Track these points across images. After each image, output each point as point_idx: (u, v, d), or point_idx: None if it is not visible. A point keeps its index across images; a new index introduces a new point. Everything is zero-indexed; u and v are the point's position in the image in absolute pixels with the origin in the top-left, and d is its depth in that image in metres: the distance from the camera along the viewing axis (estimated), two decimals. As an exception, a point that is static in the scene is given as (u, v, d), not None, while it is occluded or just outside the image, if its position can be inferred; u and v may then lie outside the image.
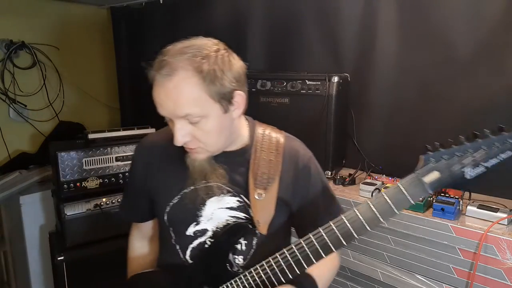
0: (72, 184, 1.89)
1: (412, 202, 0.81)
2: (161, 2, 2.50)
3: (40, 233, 2.21)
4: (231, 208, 1.00)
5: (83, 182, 1.92)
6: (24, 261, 2.23)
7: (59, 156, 1.85)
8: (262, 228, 0.96)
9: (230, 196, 1.00)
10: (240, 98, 0.94)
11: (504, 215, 1.20)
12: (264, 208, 0.97)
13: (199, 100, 0.86)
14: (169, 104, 0.86)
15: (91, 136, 2.05)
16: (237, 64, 0.92)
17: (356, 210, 0.84)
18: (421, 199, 1.33)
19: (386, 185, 1.48)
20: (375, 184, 1.48)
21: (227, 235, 0.99)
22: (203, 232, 1.01)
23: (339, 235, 0.84)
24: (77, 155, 1.90)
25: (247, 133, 1.04)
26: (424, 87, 1.61)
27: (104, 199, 1.95)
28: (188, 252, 1.02)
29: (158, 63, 0.86)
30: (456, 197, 1.32)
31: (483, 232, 1.16)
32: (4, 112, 2.50)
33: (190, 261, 1.02)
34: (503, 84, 1.41)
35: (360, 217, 0.83)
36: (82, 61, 2.85)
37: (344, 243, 0.85)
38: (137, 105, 2.90)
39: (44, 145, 2.59)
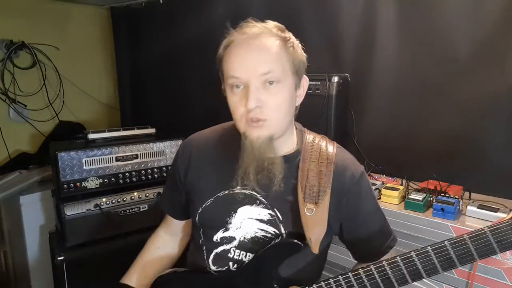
0: (72, 184, 1.89)
1: (498, 252, 0.73)
2: (161, 2, 2.50)
3: (40, 233, 2.21)
4: (261, 221, 0.95)
5: (83, 182, 1.92)
6: (24, 261, 2.23)
7: (59, 156, 1.85)
8: (314, 247, 0.89)
9: (263, 208, 0.95)
10: (305, 84, 0.97)
11: (504, 215, 1.20)
12: (316, 225, 0.90)
13: (281, 60, 0.88)
14: (252, 60, 0.86)
15: (91, 136, 2.06)
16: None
17: (430, 249, 0.77)
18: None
19: (386, 185, 1.48)
20: (375, 184, 1.48)
21: (274, 253, 0.93)
22: (230, 240, 0.98)
23: (405, 272, 0.79)
24: (77, 155, 1.89)
25: (295, 138, 1.00)
26: (424, 87, 1.61)
27: (104, 199, 1.95)
28: (211, 256, 1.00)
29: (241, 28, 0.90)
30: (456, 197, 1.32)
31: (483, 232, 1.16)
32: (4, 112, 2.50)
33: (212, 266, 1.00)
34: (504, 84, 1.41)
35: (434, 259, 0.77)
36: (82, 61, 2.85)
37: (410, 281, 0.80)
38: (137, 105, 2.90)
39: (44, 145, 2.59)
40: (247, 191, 0.96)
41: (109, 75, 2.99)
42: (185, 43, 2.42)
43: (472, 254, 0.74)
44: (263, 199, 0.95)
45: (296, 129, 1.02)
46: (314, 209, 0.90)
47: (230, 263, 0.98)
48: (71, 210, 1.88)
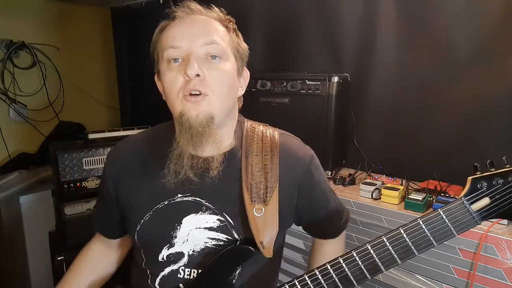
0: (72, 184, 1.89)
1: (456, 234, 0.69)
2: (161, 2, 2.50)
3: (40, 233, 2.20)
4: (210, 229, 0.84)
5: (83, 182, 1.92)
6: (24, 261, 2.23)
7: (59, 156, 1.85)
8: (267, 250, 0.80)
9: (210, 214, 0.85)
10: (246, 76, 0.92)
11: (504, 215, 1.20)
12: (267, 226, 0.81)
13: (225, 38, 0.83)
14: (195, 30, 0.80)
15: (91, 136, 2.06)
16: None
17: (385, 239, 0.72)
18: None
19: (386, 185, 1.48)
20: (375, 184, 1.48)
21: (224, 263, 0.83)
22: (178, 256, 0.86)
23: (362, 267, 0.73)
24: (77, 155, 1.90)
25: (232, 133, 0.90)
26: (424, 87, 1.61)
27: (104, 199, 1.95)
28: (157, 280, 0.87)
29: (182, 6, 0.85)
30: (456, 197, 1.32)
31: (483, 232, 1.16)
32: (4, 112, 2.50)
33: None
34: (504, 84, 1.41)
35: (391, 249, 0.71)
36: (82, 61, 2.85)
37: (368, 276, 0.73)
38: (137, 105, 2.90)
39: (44, 145, 2.59)
40: (190, 198, 0.85)
41: (109, 75, 2.99)
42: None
43: (412, 250, 0.70)
44: (209, 204, 0.85)
45: (236, 121, 0.93)
46: (263, 209, 0.82)
47: (181, 285, 0.86)
48: (71, 210, 1.89)
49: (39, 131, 2.64)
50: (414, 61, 1.62)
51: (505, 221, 1.19)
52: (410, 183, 1.52)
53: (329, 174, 1.69)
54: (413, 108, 1.65)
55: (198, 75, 0.77)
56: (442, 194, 1.36)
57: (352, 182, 1.64)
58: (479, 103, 1.47)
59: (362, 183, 1.50)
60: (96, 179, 1.95)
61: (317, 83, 1.67)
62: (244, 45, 0.90)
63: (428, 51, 1.58)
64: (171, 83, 0.79)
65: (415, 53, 1.62)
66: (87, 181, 1.93)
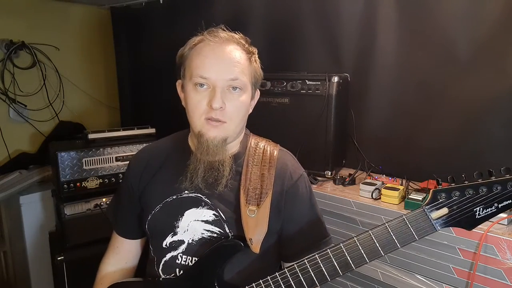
0: (72, 184, 1.89)
1: (417, 238, 0.78)
2: (161, 2, 2.50)
3: (40, 233, 2.21)
4: (206, 222, 0.98)
5: (83, 182, 1.92)
6: (24, 261, 2.23)
7: (59, 156, 1.85)
8: (255, 247, 0.91)
9: (207, 209, 0.98)
10: (257, 96, 1.05)
11: (504, 215, 1.20)
12: (258, 226, 0.93)
13: (246, 70, 0.95)
14: (223, 65, 0.91)
15: (91, 136, 2.06)
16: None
17: (356, 240, 0.81)
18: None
19: (386, 185, 1.48)
20: (375, 184, 1.48)
21: (216, 254, 0.94)
22: (178, 244, 1.00)
23: (335, 264, 0.81)
24: (77, 155, 1.90)
25: (239, 142, 1.04)
26: (425, 87, 1.61)
27: (104, 199, 1.95)
28: (161, 266, 1.01)
29: (211, 32, 0.96)
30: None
31: (483, 232, 1.16)
32: (4, 112, 2.50)
33: (162, 275, 1.01)
34: (504, 84, 1.41)
35: (360, 248, 0.80)
36: (82, 61, 2.85)
37: (340, 273, 0.82)
38: (137, 105, 2.90)
39: (44, 145, 2.59)
40: (193, 195, 0.99)
41: (109, 75, 2.99)
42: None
43: (379, 250, 0.79)
44: (207, 200, 0.99)
45: (243, 133, 1.08)
46: (256, 211, 0.94)
47: (177, 270, 0.99)
48: (71, 210, 1.89)
49: (39, 131, 2.64)
50: (414, 61, 1.62)
51: (505, 221, 1.19)
52: (410, 183, 1.52)
53: (329, 174, 1.69)
54: (413, 108, 1.65)
55: (221, 107, 0.90)
56: (442, 194, 1.36)
57: (352, 182, 1.63)
58: (479, 103, 1.47)
59: (362, 183, 1.50)
60: (96, 179, 1.95)
61: (317, 83, 1.67)
62: (260, 71, 1.03)
63: (428, 51, 1.58)
64: (195, 105, 0.93)
65: (415, 53, 1.62)
66: (87, 181, 1.93)
